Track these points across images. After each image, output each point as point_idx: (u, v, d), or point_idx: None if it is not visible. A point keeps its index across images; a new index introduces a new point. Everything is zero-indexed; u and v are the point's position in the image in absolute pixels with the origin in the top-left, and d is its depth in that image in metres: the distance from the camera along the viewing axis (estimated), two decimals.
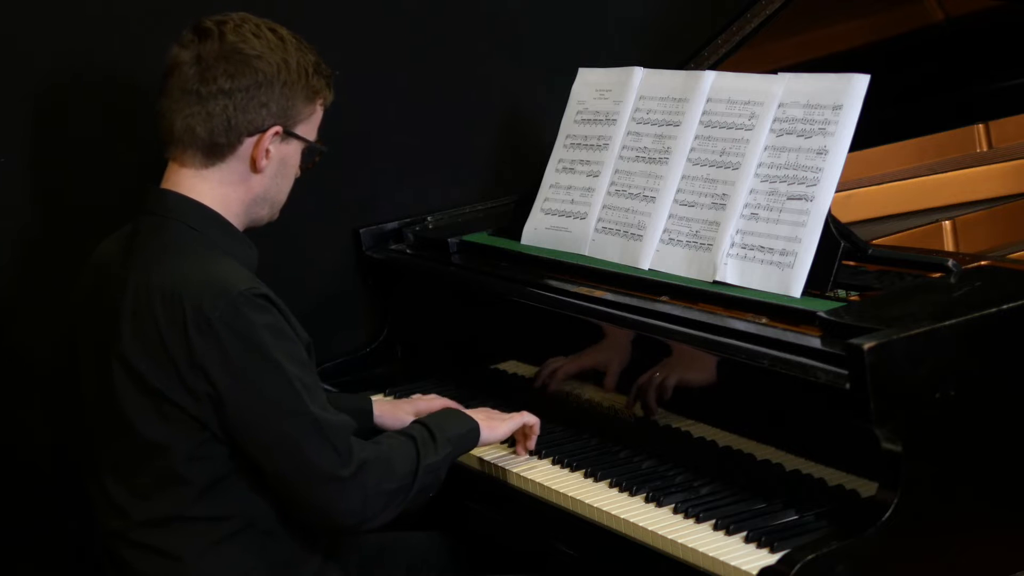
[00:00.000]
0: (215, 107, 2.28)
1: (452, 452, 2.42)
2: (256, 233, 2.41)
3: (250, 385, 2.19)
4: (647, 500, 2.35)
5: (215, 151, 2.31)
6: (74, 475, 2.49)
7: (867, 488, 2.17)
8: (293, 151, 2.37)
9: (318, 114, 2.40)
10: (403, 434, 2.40)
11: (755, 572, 2.07)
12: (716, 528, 2.23)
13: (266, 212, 2.40)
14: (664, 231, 2.62)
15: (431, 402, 2.72)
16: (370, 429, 2.69)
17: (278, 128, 2.32)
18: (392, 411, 2.71)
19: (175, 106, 2.30)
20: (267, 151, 2.32)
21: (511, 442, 2.63)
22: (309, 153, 2.40)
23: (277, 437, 2.21)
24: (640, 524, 2.28)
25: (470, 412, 2.56)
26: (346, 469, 2.23)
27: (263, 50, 2.29)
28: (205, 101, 2.28)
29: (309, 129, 2.38)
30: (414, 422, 2.48)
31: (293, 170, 2.40)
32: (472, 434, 2.49)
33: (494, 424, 2.54)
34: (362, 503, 2.25)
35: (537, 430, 2.59)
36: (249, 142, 2.31)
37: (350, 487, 2.24)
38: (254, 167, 2.33)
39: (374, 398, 2.77)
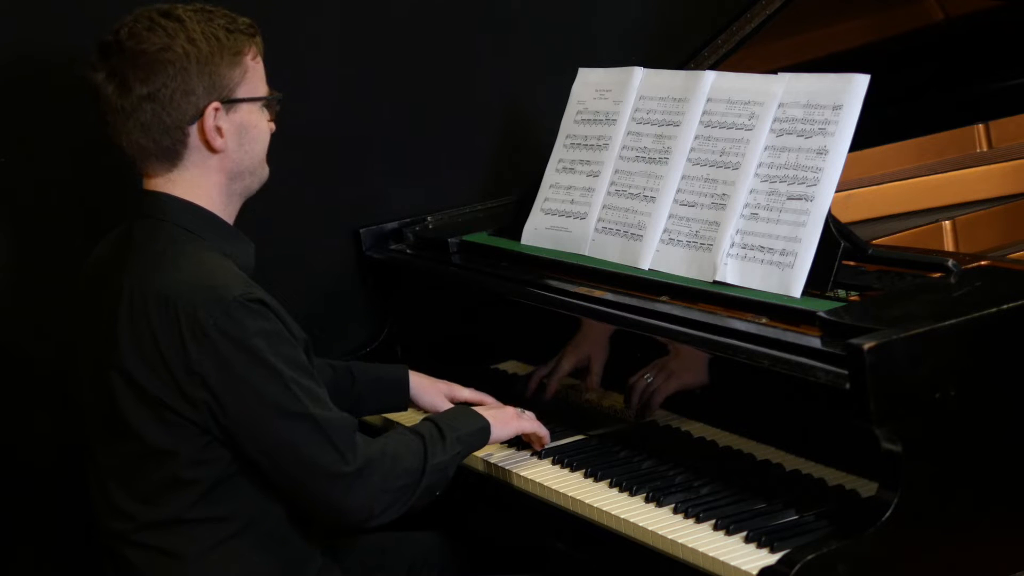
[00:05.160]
0: (144, 115, 2.25)
1: (461, 451, 2.42)
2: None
3: (248, 391, 2.19)
4: (647, 500, 2.35)
5: (168, 153, 2.29)
6: (74, 475, 2.49)
7: (867, 488, 2.17)
8: (246, 116, 2.32)
9: (255, 68, 2.33)
10: (412, 431, 2.39)
11: (755, 572, 2.07)
12: (716, 528, 2.23)
13: (251, 181, 2.37)
14: (664, 231, 2.62)
15: (463, 392, 2.75)
16: (404, 401, 2.74)
17: (215, 104, 2.27)
18: (429, 388, 2.75)
19: (113, 129, 2.28)
20: (218, 128, 2.28)
21: (511, 442, 2.63)
22: (268, 106, 2.35)
23: (278, 440, 2.21)
24: (640, 524, 2.28)
25: (482, 408, 2.56)
26: (349, 466, 2.23)
27: (164, 41, 2.24)
28: (132, 113, 2.25)
29: (252, 87, 2.32)
30: (424, 419, 2.47)
31: (259, 131, 2.34)
32: (482, 433, 2.49)
33: (506, 421, 2.54)
34: (368, 500, 2.26)
35: (547, 442, 2.59)
36: (193, 130, 2.28)
37: (355, 484, 2.24)
38: (211, 149, 2.29)
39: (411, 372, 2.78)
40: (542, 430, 2.59)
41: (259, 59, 2.34)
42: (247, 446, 2.22)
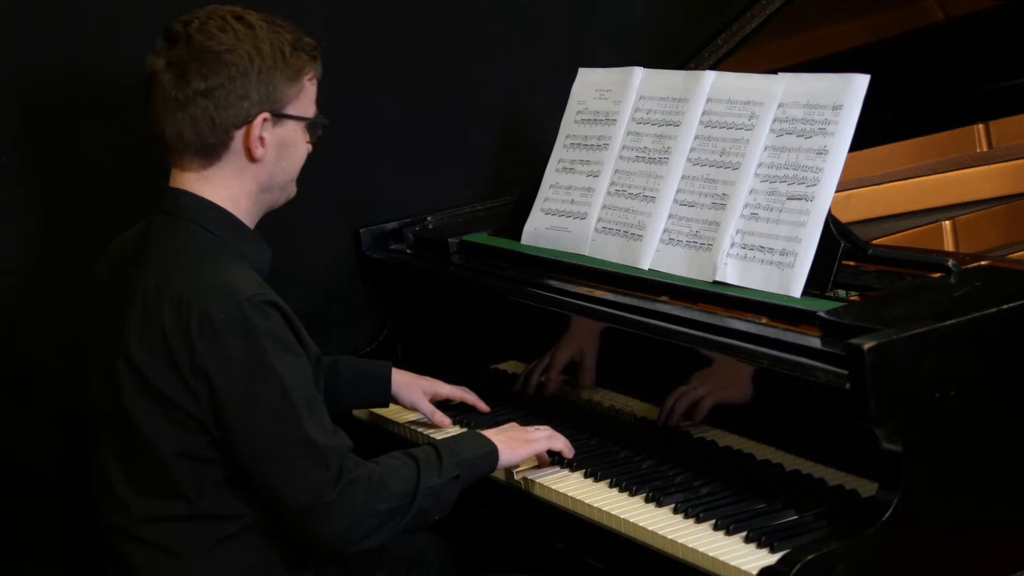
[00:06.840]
0: (196, 110, 2.28)
1: (461, 476, 2.36)
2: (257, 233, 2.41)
3: (247, 392, 2.19)
4: (647, 500, 2.35)
5: (209, 151, 2.31)
6: (75, 475, 2.49)
7: (867, 488, 2.17)
8: (291, 132, 2.35)
9: (309, 89, 2.37)
10: (407, 454, 2.36)
11: (755, 572, 2.07)
12: (716, 528, 2.23)
13: (279, 196, 2.40)
14: (664, 231, 2.62)
15: (444, 388, 2.76)
16: (385, 397, 2.76)
17: (265, 114, 2.31)
18: (410, 384, 2.75)
19: (160, 115, 2.30)
20: (261, 138, 2.31)
21: None
22: (311, 128, 2.39)
23: (267, 448, 2.21)
24: (640, 524, 2.28)
25: (494, 431, 2.51)
26: (331, 490, 2.21)
27: (232, 43, 2.27)
28: (185, 105, 2.28)
29: (303, 106, 2.36)
30: (428, 442, 2.43)
31: (297, 150, 2.38)
32: (489, 458, 2.43)
33: (516, 445, 2.47)
34: (348, 524, 2.23)
35: (568, 454, 2.51)
36: (239, 135, 2.31)
37: (335, 507, 2.22)
38: (251, 157, 2.32)
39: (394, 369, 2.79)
40: (559, 443, 2.51)
41: (315, 81, 2.38)
42: (237, 447, 2.22)
